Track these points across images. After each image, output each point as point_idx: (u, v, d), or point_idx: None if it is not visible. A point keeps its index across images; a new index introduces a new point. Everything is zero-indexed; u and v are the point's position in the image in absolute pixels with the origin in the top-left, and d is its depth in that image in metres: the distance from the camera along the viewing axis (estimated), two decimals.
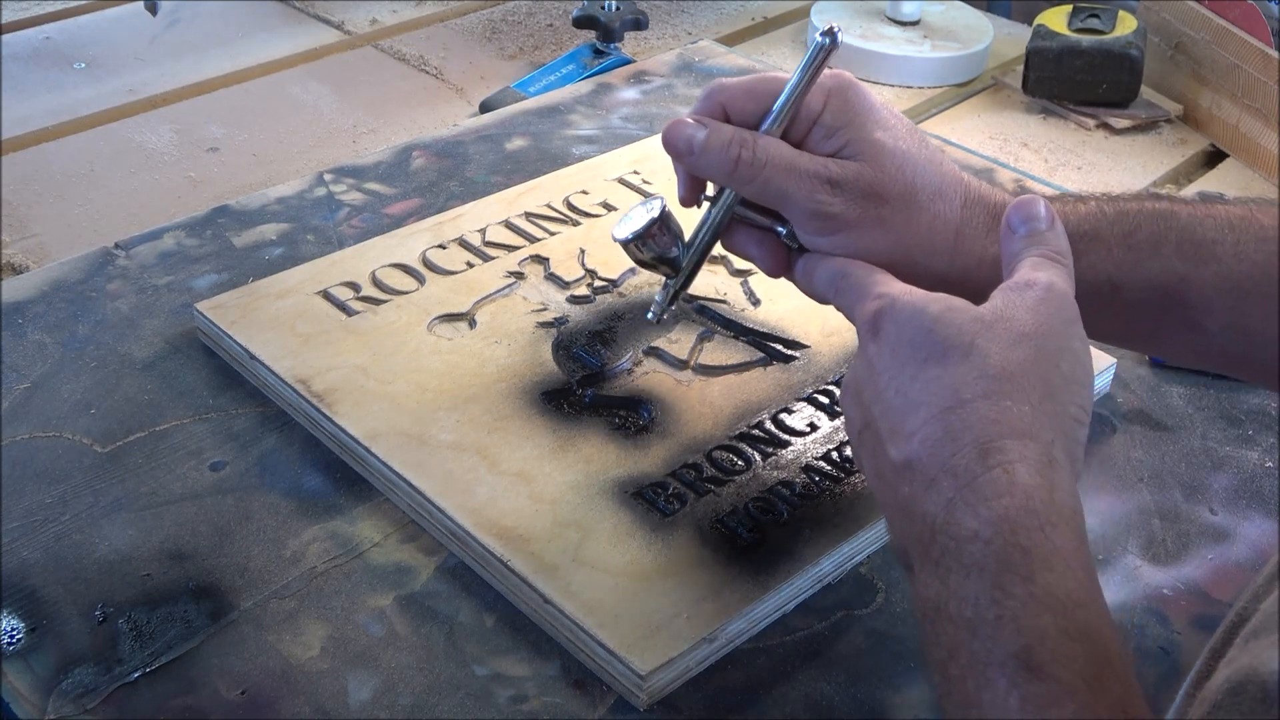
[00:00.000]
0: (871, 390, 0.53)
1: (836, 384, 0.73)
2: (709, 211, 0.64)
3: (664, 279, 0.66)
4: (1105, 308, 0.61)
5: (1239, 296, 0.59)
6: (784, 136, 0.61)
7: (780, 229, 0.62)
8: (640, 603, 0.59)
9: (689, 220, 0.66)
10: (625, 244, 0.64)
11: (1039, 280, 0.53)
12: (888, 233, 0.60)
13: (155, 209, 1.02)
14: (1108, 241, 0.61)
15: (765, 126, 0.61)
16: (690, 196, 0.64)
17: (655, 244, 0.64)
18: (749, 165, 0.60)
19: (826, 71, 0.60)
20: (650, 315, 0.67)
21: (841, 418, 0.71)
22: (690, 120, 0.61)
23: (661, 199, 0.64)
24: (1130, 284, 0.61)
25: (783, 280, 0.82)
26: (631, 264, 0.81)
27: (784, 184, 0.59)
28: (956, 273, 0.61)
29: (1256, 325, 0.60)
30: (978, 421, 0.49)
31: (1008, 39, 1.29)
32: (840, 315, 0.78)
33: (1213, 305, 0.60)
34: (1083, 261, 0.59)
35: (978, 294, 0.59)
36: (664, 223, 0.64)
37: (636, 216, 0.64)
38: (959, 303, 0.53)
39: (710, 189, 0.64)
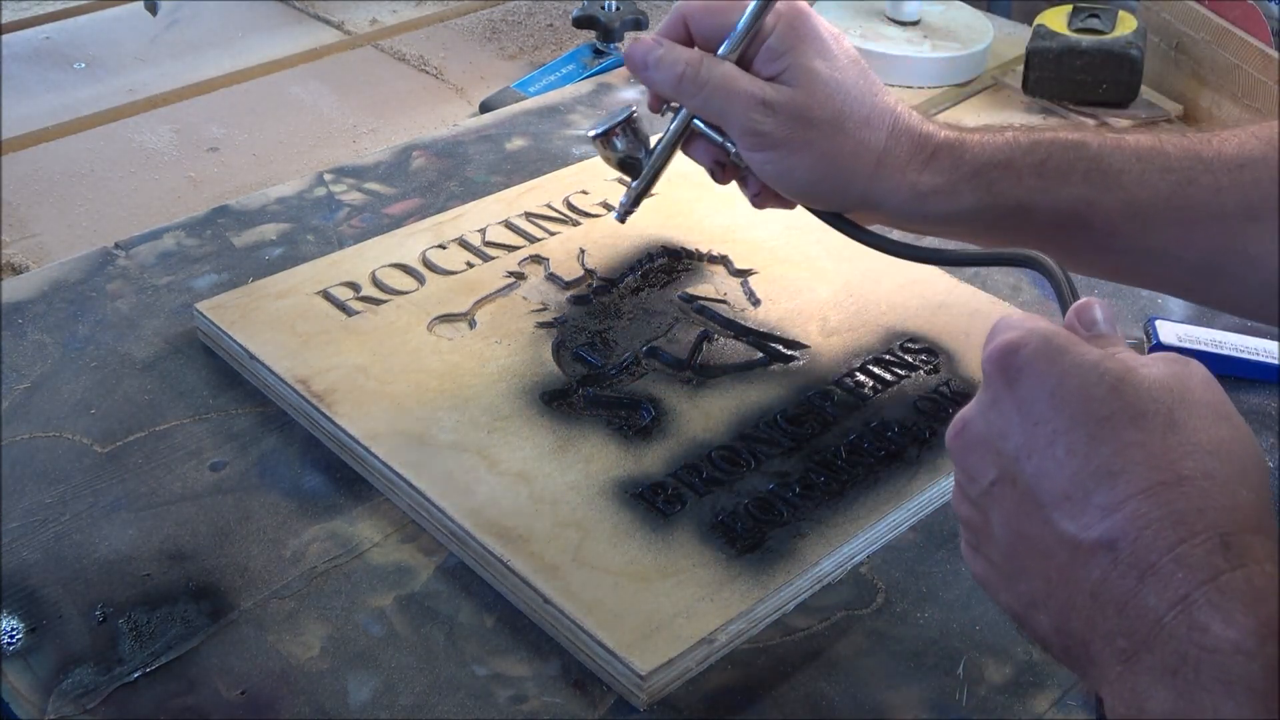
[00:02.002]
0: (1020, 442, 0.46)
1: (837, 384, 0.73)
2: (669, 122, 0.71)
3: (630, 181, 0.73)
4: (1018, 230, 0.66)
5: (1143, 221, 0.65)
6: (740, 58, 0.66)
7: (730, 145, 0.68)
8: (640, 603, 0.59)
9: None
10: (593, 140, 0.71)
11: (1194, 361, 0.47)
12: (813, 154, 0.66)
13: (155, 209, 1.02)
14: (1019, 169, 0.66)
15: (724, 48, 0.66)
16: (655, 104, 0.70)
17: (618, 144, 0.71)
18: (691, 82, 0.66)
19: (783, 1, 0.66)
20: (615, 215, 0.74)
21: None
22: (652, 39, 0.68)
23: (633, 108, 0.71)
24: (1040, 209, 0.66)
25: (783, 280, 0.82)
26: (632, 264, 0.82)
27: (722, 103, 0.65)
28: (875, 197, 0.67)
29: (1159, 246, 0.65)
30: (1211, 506, 0.42)
31: (1008, 39, 1.29)
32: (841, 314, 0.78)
33: (1118, 229, 0.65)
34: (995, 188, 0.65)
35: (892, 220, 0.69)
36: (629, 126, 0.71)
37: (607, 119, 0.71)
38: (1133, 360, 0.46)
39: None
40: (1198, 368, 0.47)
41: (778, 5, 0.65)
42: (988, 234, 0.68)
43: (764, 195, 0.71)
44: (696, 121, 0.69)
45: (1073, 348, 0.46)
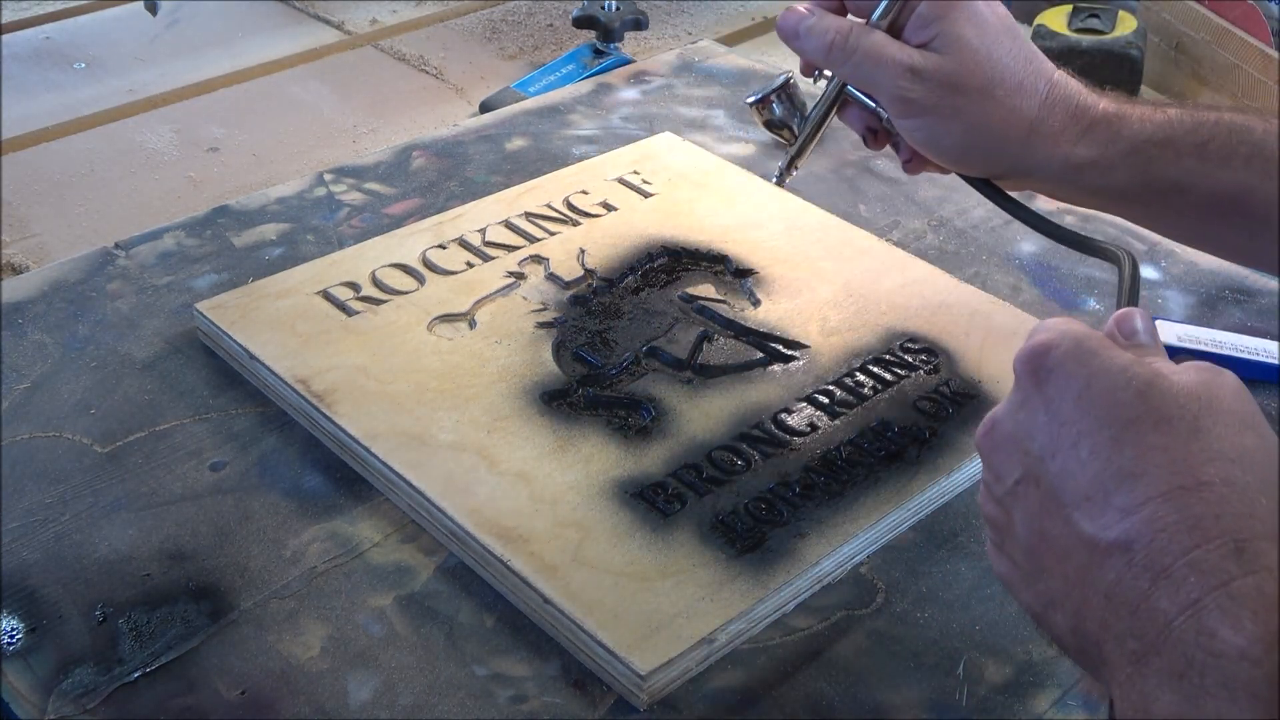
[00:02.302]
0: (1046, 442, 0.46)
1: (837, 384, 0.73)
2: (824, 89, 0.73)
3: (786, 145, 0.76)
4: (1171, 210, 0.67)
5: None
6: (890, 25, 0.67)
7: (882, 112, 0.70)
8: (640, 603, 0.59)
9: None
10: (750, 105, 0.75)
11: (1227, 371, 0.47)
12: (962, 121, 0.66)
13: (155, 209, 1.02)
14: (1179, 149, 0.65)
15: (875, 15, 0.68)
16: (806, 70, 0.72)
17: (775, 109, 0.74)
18: (840, 50, 0.67)
19: None
20: (774, 179, 0.78)
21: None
22: (804, 8, 0.69)
23: (790, 74, 0.74)
24: (1197, 190, 0.65)
25: (783, 280, 0.82)
26: (632, 264, 0.82)
27: (871, 70, 0.67)
28: (1026, 165, 0.67)
29: None
30: (1228, 512, 0.42)
31: None
32: (841, 314, 0.78)
33: (1275, 217, 0.64)
34: (1152, 166, 0.65)
35: (1045, 189, 0.69)
36: (785, 92, 0.74)
37: (765, 85, 0.74)
38: (1164, 366, 0.47)
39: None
40: (1230, 378, 0.46)
41: None
42: (1141, 210, 0.69)
43: (915, 161, 0.72)
44: (849, 88, 0.71)
45: (1103, 351, 0.47)
